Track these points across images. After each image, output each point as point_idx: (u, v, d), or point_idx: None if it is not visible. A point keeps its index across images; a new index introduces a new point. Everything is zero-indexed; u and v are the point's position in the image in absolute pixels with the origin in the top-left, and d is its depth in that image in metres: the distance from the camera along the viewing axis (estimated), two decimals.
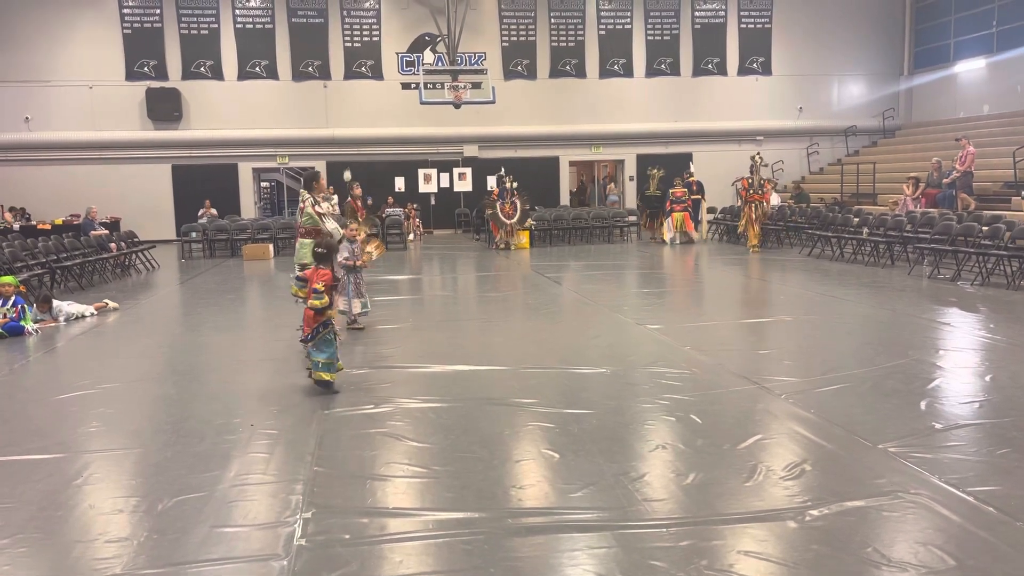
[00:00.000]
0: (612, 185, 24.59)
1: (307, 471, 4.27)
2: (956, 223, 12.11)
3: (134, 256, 15.15)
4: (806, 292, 10.59)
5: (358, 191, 12.33)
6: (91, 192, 19.21)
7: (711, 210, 19.53)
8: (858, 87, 23.44)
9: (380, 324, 8.47)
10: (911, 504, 3.68)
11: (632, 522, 3.58)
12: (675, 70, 22.79)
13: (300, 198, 8.31)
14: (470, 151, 22.28)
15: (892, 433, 4.63)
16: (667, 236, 17.65)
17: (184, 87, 20.95)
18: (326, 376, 5.74)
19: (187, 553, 3.37)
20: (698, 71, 22.88)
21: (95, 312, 9.58)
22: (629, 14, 22.51)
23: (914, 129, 22.72)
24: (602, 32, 22.47)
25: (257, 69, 21.23)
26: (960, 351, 6.96)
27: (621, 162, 23.56)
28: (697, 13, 22.73)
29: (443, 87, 19.05)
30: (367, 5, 21.58)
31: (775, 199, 18.59)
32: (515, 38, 22.17)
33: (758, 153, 16.24)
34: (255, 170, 22.18)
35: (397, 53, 21.71)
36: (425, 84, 18.97)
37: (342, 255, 7.97)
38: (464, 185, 22.37)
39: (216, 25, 21.00)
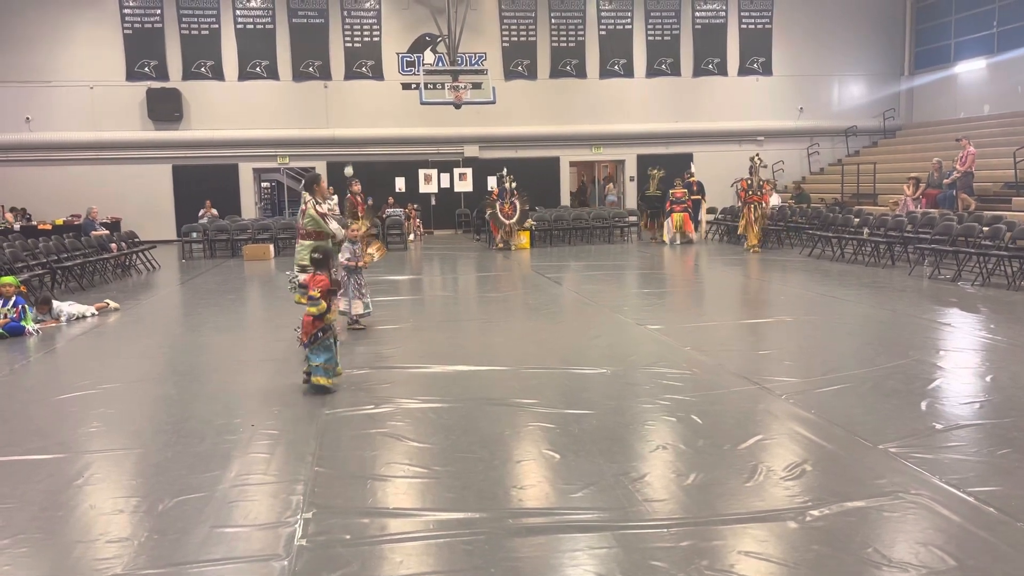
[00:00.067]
0: (611, 185, 24.60)
1: (308, 471, 4.27)
2: (956, 223, 12.10)
3: (135, 256, 15.15)
4: (806, 292, 10.59)
5: (357, 187, 12.33)
6: (92, 192, 19.23)
7: (711, 210, 19.53)
8: (859, 87, 23.45)
9: (381, 324, 8.48)
10: (912, 504, 3.68)
11: (633, 522, 3.58)
12: (675, 70, 22.80)
13: (301, 200, 8.31)
14: (470, 151, 22.29)
15: (893, 433, 4.63)
16: (667, 237, 17.66)
17: (185, 87, 20.96)
18: (323, 381, 5.73)
19: (188, 553, 3.37)
20: (698, 71, 22.89)
21: (96, 312, 9.59)
22: (629, 14, 22.52)
23: (914, 129, 22.73)
24: (602, 32, 22.48)
25: (258, 69, 21.24)
26: (961, 351, 6.96)
27: (621, 162, 23.57)
28: (697, 13, 22.74)
29: (443, 87, 19.05)
30: (367, 5, 21.59)
31: (775, 199, 18.61)
32: (515, 38, 22.18)
33: (757, 154, 16.25)
34: (255, 170, 22.20)
35: (397, 53, 21.72)
36: (425, 84, 18.96)
37: (343, 255, 7.98)
38: (464, 185, 22.38)
39: (217, 25, 21.01)
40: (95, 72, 20.46)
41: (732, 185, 19.13)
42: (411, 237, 19.63)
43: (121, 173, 20.76)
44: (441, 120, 20.99)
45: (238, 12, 21.08)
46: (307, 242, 7.98)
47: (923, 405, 5.22)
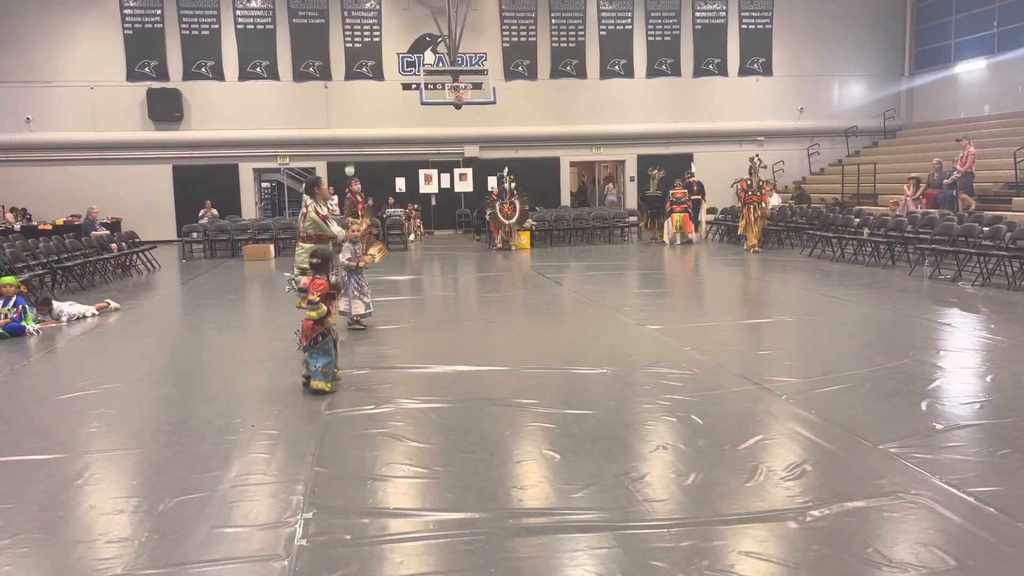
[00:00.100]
0: (610, 185, 24.61)
1: (308, 471, 4.27)
2: (957, 224, 12.10)
3: (135, 256, 15.16)
4: (807, 293, 10.58)
5: (357, 187, 12.35)
6: (92, 192, 19.24)
7: (711, 211, 19.53)
8: (859, 87, 23.45)
9: (381, 324, 8.48)
10: (912, 505, 3.68)
11: (633, 522, 3.58)
12: (676, 71, 22.80)
13: (303, 204, 8.31)
14: (471, 152, 22.30)
15: (893, 434, 4.63)
16: (667, 237, 17.66)
17: (185, 87, 20.97)
18: (322, 385, 5.73)
19: (188, 553, 3.37)
20: (699, 72, 22.89)
21: (96, 312, 9.59)
22: (630, 15, 22.52)
23: (915, 130, 22.73)
24: (603, 33, 22.48)
25: (258, 70, 21.24)
26: (961, 352, 6.96)
27: (622, 163, 23.57)
28: (698, 14, 22.74)
29: (444, 88, 19.05)
30: (368, 6, 21.59)
31: (776, 200, 18.61)
32: (516, 39, 22.18)
33: (757, 155, 16.26)
34: (256, 170, 22.20)
35: (398, 54, 21.73)
36: (426, 85, 18.96)
37: (344, 255, 7.99)
38: (465, 186, 22.39)
39: (217, 26, 21.02)
40: (95, 72, 20.47)
41: (732, 185, 19.15)
42: (411, 237, 19.64)
43: (121, 173, 20.77)
44: (441, 120, 21.00)
45: (238, 12, 21.09)
46: (307, 245, 8.00)
47: (923, 405, 5.22)
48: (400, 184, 22.04)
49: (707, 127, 22.77)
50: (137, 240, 16.01)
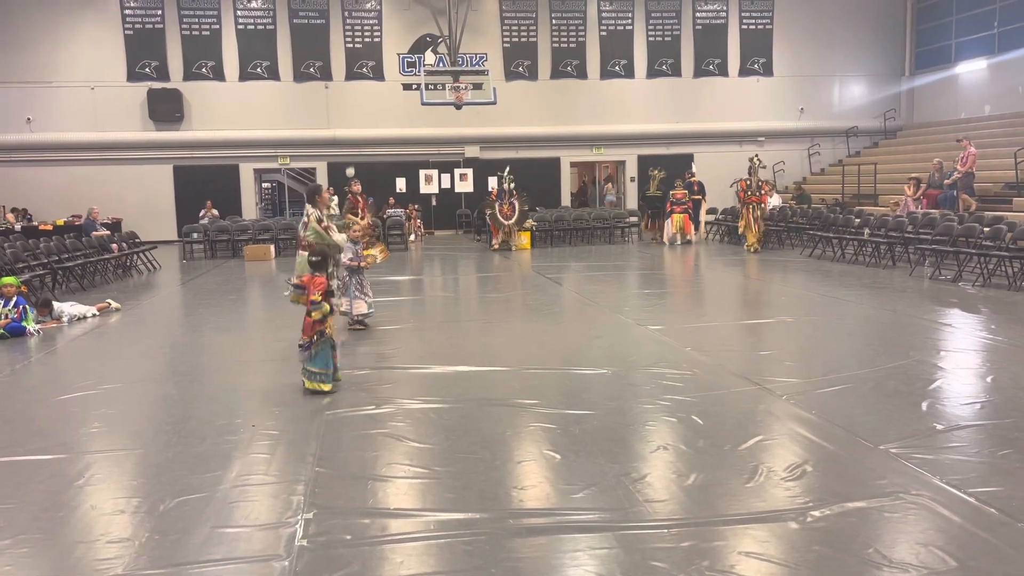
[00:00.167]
0: (609, 185, 24.60)
1: (308, 472, 4.27)
2: (957, 224, 12.10)
3: (135, 257, 15.16)
4: (807, 293, 10.58)
5: (357, 188, 12.35)
6: (92, 193, 19.23)
7: (711, 211, 19.53)
8: (859, 88, 23.45)
9: (382, 325, 8.48)
10: (912, 505, 3.68)
11: (633, 523, 3.58)
12: (676, 71, 22.79)
13: (304, 213, 8.31)
14: (471, 152, 22.30)
15: (893, 434, 4.63)
16: (667, 237, 17.66)
17: (185, 88, 20.97)
18: (321, 386, 5.74)
19: (188, 554, 3.37)
20: (699, 72, 22.88)
21: (97, 313, 9.60)
22: (630, 15, 22.52)
23: (915, 130, 22.72)
24: (603, 33, 22.48)
25: (258, 70, 21.25)
26: (961, 352, 6.96)
27: (622, 163, 23.57)
28: (698, 14, 22.74)
29: (444, 88, 19.05)
30: (368, 6, 21.60)
31: (776, 200, 18.61)
32: (516, 39, 22.18)
33: (756, 155, 16.25)
34: (256, 171, 22.20)
35: (398, 54, 21.73)
36: (426, 85, 18.97)
37: (346, 255, 8.00)
38: (465, 186, 22.39)
39: (217, 26, 21.02)
40: (96, 73, 20.47)
41: (731, 185, 19.14)
42: (412, 238, 19.65)
43: (122, 173, 20.78)
44: (442, 121, 21.00)
45: (239, 13, 21.09)
46: (306, 254, 7.98)
47: (924, 406, 5.22)
48: (400, 184, 22.04)
49: (707, 127, 22.77)
50: (138, 240, 16.02)
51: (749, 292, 11.33)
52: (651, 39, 22.67)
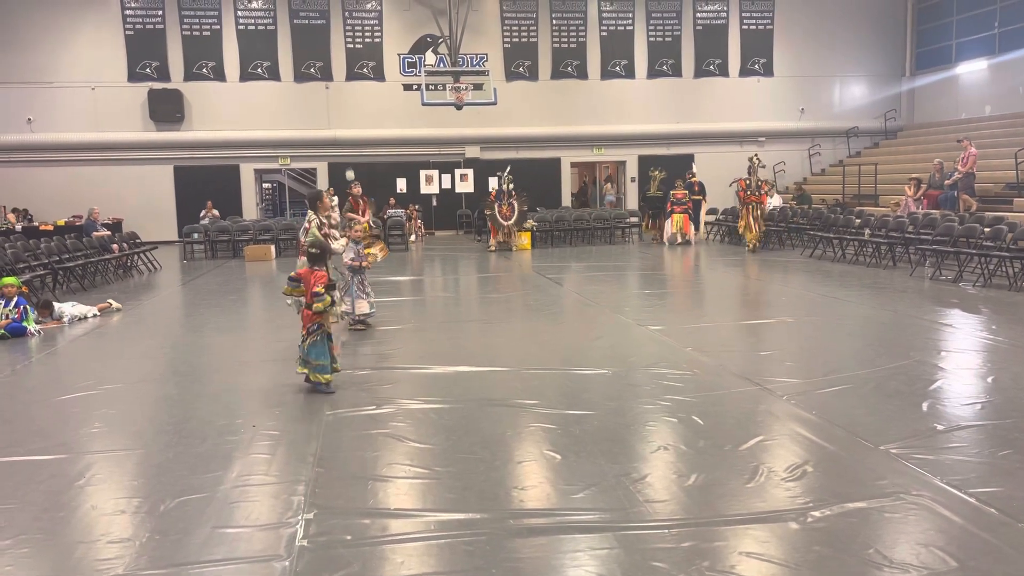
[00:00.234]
0: (609, 185, 24.59)
1: (309, 472, 4.27)
2: (958, 224, 12.10)
3: (136, 257, 15.17)
4: (807, 293, 10.58)
5: (357, 190, 12.38)
6: (93, 193, 19.23)
7: (712, 211, 19.53)
8: (860, 88, 23.44)
9: (382, 325, 8.48)
10: (913, 505, 3.68)
11: (634, 523, 3.58)
12: (677, 71, 22.79)
13: (306, 219, 8.33)
14: (472, 152, 22.30)
15: (894, 434, 4.63)
16: (667, 237, 17.66)
17: (186, 88, 20.98)
18: (320, 377, 5.75)
19: (189, 554, 3.37)
20: (700, 72, 22.88)
21: (98, 313, 9.60)
22: (630, 15, 22.52)
23: (916, 130, 22.72)
24: (604, 33, 22.48)
25: (259, 70, 21.25)
26: (962, 352, 6.96)
27: (623, 163, 23.56)
28: (699, 14, 22.74)
29: (445, 88, 19.03)
30: (369, 6, 21.60)
31: (776, 200, 18.60)
32: (517, 39, 22.18)
33: (756, 155, 16.25)
34: (257, 171, 22.20)
35: (399, 54, 21.73)
36: (427, 85, 18.95)
37: (348, 255, 8.02)
38: (466, 186, 22.39)
39: (218, 26, 21.02)
40: (97, 73, 20.47)
41: (731, 185, 19.15)
42: (412, 238, 19.65)
43: (122, 174, 20.78)
44: (442, 121, 20.99)
45: (239, 13, 21.10)
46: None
47: (924, 406, 5.22)
48: (401, 185, 22.04)
49: (708, 128, 22.76)
50: (138, 241, 16.03)
51: (749, 292, 11.33)
52: (652, 39, 22.67)
